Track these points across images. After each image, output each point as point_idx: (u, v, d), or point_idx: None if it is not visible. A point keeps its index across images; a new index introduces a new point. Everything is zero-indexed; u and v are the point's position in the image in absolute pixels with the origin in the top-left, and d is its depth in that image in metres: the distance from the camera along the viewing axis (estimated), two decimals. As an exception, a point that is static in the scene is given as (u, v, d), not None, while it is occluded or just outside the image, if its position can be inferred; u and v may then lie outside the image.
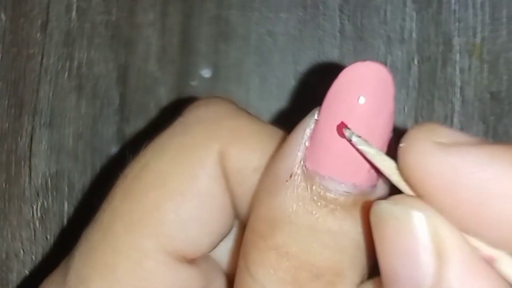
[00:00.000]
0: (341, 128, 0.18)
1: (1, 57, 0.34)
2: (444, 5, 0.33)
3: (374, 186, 0.19)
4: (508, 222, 0.16)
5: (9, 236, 0.33)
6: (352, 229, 0.18)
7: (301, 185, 0.18)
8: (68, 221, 0.34)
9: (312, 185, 0.18)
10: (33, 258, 0.33)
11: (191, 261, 0.21)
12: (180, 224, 0.21)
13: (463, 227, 0.16)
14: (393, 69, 0.33)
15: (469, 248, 0.16)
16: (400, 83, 0.33)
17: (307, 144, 0.19)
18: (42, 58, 0.34)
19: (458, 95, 0.33)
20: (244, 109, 0.22)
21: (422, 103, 0.33)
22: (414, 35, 0.33)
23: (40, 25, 0.34)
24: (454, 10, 0.33)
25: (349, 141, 0.18)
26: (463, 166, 0.16)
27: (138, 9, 0.34)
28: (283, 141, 0.20)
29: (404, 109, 0.33)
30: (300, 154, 0.19)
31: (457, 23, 0.33)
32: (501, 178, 0.16)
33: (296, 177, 0.18)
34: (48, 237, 0.33)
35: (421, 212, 0.17)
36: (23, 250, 0.33)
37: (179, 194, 0.21)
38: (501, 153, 0.16)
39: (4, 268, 0.33)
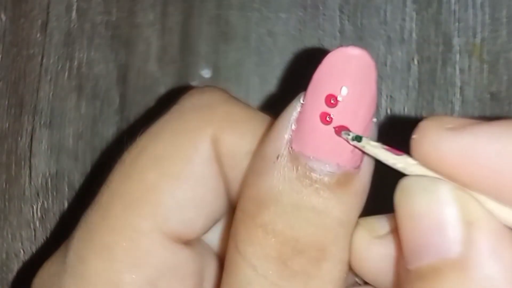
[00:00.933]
0: (340, 130, 0.19)
1: (1, 57, 0.34)
2: (444, 5, 0.33)
3: (357, 167, 0.20)
4: None
5: (9, 236, 0.33)
6: (336, 207, 0.19)
7: (288, 165, 0.19)
8: (68, 221, 0.34)
9: (298, 166, 0.19)
10: (33, 258, 0.33)
11: (187, 243, 0.22)
12: (176, 205, 0.21)
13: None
14: (393, 69, 0.33)
15: (496, 218, 0.17)
16: (400, 83, 0.33)
17: (293, 127, 0.20)
18: (42, 58, 0.34)
19: (458, 95, 0.33)
20: (236, 97, 0.23)
21: (422, 103, 0.33)
22: (414, 35, 0.33)
23: (40, 25, 0.34)
24: (454, 10, 0.33)
25: (348, 141, 0.19)
26: (477, 141, 0.17)
27: (138, 9, 0.34)
28: (271, 124, 0.21)
29: (404, 109, 0.33)
30: (286, 137, 0.20)
31: (457, 23, 0.33)
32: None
33: (282, 158, 0.19)
34: (48, 237, 0.33)
35: (450, 183, 0.18)
36: (23, 250, 0.33)
37: (175, 177, 0.21)
38: (506, 126, 0.17)
39: (4, 268, 0.33)
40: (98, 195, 0.22)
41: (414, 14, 0.33)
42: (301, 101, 0.20)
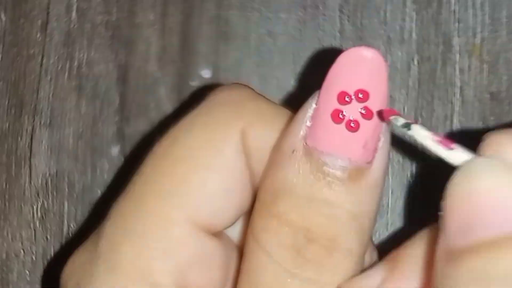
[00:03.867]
0: (389, 114, 0.20)
1: (1, 57, 0.34)
2: (444, 5, 0.33)
3: (369, 163, 0.21)
4: None
5: (9, 236, 0.33)
6: (347, 200, 0.20)
7: (302, 159, 0.20)
8: (68, 221, 0.34)
9: (312, 160, 0.20)
10: (33, 258, 0.33)
11: (215, 234, 0.23)
12: (207, 196, 0.22)
13: None
14: (392, 69, 0.33)
15: None
16: (400, 83, 0.33)
17: (308, 123, 0.21)
18: (42, 59, 0.34)
19: (458, 95, 0.33)
20: (262, 94, 0.24)
21: (422, 103, 0.33)
22: (414, 35, 0.33)
23: (40, 25, 0.34)
24: (454, 11, 0.33)
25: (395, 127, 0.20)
26: None
27: (138, 9, 0.34)
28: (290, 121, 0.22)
29: (404, 110, 0.33)
30: (301, 132, 0.21)
31: (457, 24, 0.33)
32: None
33: (297, 152, 0.21)
34: (48, 237, 0.33)
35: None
36: (23, 250, 0.33)
37: (206, 168, 0.22)
38: None
39: (4, 268, 0.33)
40: (130, 185, 0.23)
41: (414, 14, 0.33)
42: (316, 99, 0.21)
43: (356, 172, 0.20)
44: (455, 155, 0.18)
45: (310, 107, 0.21)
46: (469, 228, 0.17)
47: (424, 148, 0.19)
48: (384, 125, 0.21)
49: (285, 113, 0.23)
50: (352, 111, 0.20)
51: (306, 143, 0.20)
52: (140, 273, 0.21)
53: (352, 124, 0.20)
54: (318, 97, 0.21)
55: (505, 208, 0.17)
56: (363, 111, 0.20)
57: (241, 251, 0.24)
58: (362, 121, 0.20)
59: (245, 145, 0.22)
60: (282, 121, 0.22)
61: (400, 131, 0.20)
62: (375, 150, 0.21)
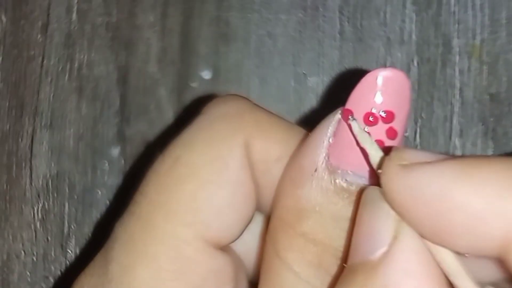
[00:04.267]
0: (347, 114, 0.20)
1: (2, 59, 0.34)
2: (443, 6, 0.33)
3: None
4: (458, 231, 0.17)
5: (10, 237, 0.34)
6: None
7: (325, 178, 0.20)
8: (68, 222, 0.34)
9: (336, 179, 0.20)
10: (34, 259, 0.33)
11: (223, 249, 0.23)
12: (215, 212, 0.22)
13: (427, 236, 0.18)
14: (392, 71, 0.33)
15: (421, 243, 0.18)
16: (400, 84, 0.33)
17: (330, 141, 0.21)
18: (42, 60, 0.34)
19: (457, 96, 0.33)
20: (258, 105, 0.24)
21: (422, 104, 0.33)
22: (413, 36, 0.33)
23: (41, 26, 0.34)
24: (454, 12, 0.33)
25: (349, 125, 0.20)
26: (419, 182, 0.18)
27: (138, 10, 0.34)
28: (306, 136, 0.22)
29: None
30: (324, 150, 0.20)
31: (456, 25, 0.33)
32: (448, 192, 0.17)
33: (320, 171, 0.20)
34: (49, 238, 0.34)
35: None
36: (24, 251, 0.34)
37: (212, 184, 0.22)
38: (448, 167, 0.18)
39: (5, 269, 0.34)
40: (133, 205, 0.22)
41: (413, 15, 0.33)
42: (339, 116, 0.21)
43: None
44: (375, 153, 0.20)
45: (331, 124, 0.21)
46: (351, 250, 0.19)
47: (360, 140, 0.20)
48: (402, 142, 0.21)
49: (285, 123, 0.23)
50: (378, 131, 0.20)
51: (329, 162, 0.20)
52: None
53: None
54: (342, 115, 0.21)
55: (372, 237, 0.18)
56: (387, 132, 0.20)
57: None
58: (386, 141, 0.20)
59: (249, 158, 0.22)
60: (284, 132, 0.22)
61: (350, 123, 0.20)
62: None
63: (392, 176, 0.18)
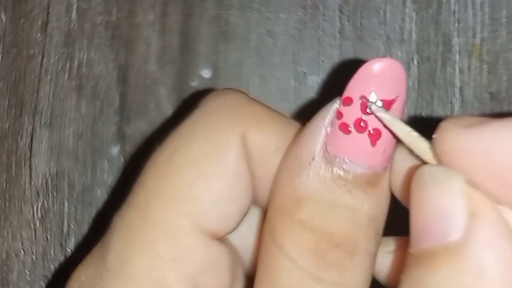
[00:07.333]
0: (347, 102, 0.21)
1: (1, 57, 0.34)
2: (443, 5, 0.33)
3: (385, 168, 0.21)
4: None
5: (10, 236, 0.34)
6: (367, 205, 0.21)
7: (322, 167, 0.21)
8: (68, 221, 0.34)
9: (333, 167, 0.21)
10: (33, 258, 0.33)
11: (220, 239, 0.23)
12: (213, 202, 0.22)
13: (494, 197, 0.18)
14: (392, 70, 0.33)
15: (499, 214, 0.18)
16: (400, 83, 0.33)
17: (328, 130, 0.21)
18: (42, 59, 0.34)
19: (457, 95, 0.33)
20: (254, 98, 0.24)
21: (422, 103, 0.33)
22: (413, 35, 0.33)
23: (40, 25, 0.34)
24: (454, 11, 0.33)
25: (370, 113, 0.21)
26: (493, 137, 0.18)
27: (138, 9, 0.34)
28: (302, 127, 0.22)
29: (403, 110, 0.33)
30: (321, 139, 0.21)
31: (456, 24, 0.33)
32: None
33: (318, 159, 0.21)
34: (49, 237, 0.33)
35: (461, 176, 0.19)
36: (23, 250, 0.33)
37: (210, 174, 0.22)
38: None
39: (4, 268, 0.34)
40: (132, 196, 0.23)
41: (413, 14, 0.33)
42: (337, 106, 0.21)
43: (374, 178, 0.21)
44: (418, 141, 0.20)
45: (328, 113, 0.21)
46: (418, 236, 0.19)
47: (394, 130, 0.20)
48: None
49: (280, 116, 0.23)
50: (375, 120, 0.21)
51: (326, 150, 0.21)
52: (153, 284, 0.21)
53: (374, 133, 0.21)
54: (340, 104, 0.21)
55: (443, 218, 0.18)
56: None
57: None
58: (383, 130, 0.21)
59: (246, 150, 0.22)
60: (280, 124, 0.23)
61: (379, 115, 0.20)
62: (390, 156, 0.21)
63: (461, 137, 0.18)
